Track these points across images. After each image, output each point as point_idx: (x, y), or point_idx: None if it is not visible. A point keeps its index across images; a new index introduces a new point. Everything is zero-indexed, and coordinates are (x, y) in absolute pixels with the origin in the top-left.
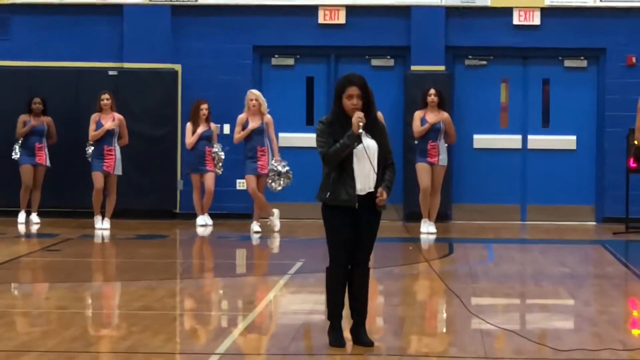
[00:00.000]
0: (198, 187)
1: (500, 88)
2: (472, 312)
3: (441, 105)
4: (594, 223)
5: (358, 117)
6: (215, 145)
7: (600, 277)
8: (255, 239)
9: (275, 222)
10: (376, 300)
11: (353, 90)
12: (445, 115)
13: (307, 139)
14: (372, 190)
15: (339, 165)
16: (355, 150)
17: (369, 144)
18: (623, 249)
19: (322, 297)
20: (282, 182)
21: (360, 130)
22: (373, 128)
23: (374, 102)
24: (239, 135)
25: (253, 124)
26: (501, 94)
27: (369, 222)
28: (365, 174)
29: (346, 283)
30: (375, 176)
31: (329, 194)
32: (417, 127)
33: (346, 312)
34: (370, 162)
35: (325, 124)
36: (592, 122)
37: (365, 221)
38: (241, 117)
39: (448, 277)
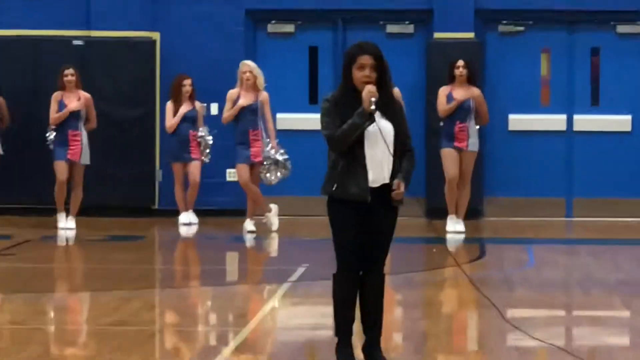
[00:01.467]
0: (181, 179)
1: (541, 59)
2: (512, 323)
3: (471, 80)
4: None
5: (369, 92)
6: (200, 129)
7: None
8: (249, 239)
9: (273, 220)
10: (393, 312)
11: (365, 59)
12: (476, 91)
13: (311, 120)
14: (387, 182)
15: (348, 152)
16: (366, 133)
17: (384, 127)
18: None
19: (329, 310)
20: (279, 173)
21: (373, 107)
22: (388, 108)
23: (390, 77)
24: (228, 112)
25: (244, 100)
26: (542, 66)
27: (383, 220)
28: (379, 162)
29: (357, 293)
30: (391, 165)
31: (335, 186)
32: (442, 105)
33: (357, 327)
34: (387, 148)
35: (332, 101)
36: None
37: (380, 219)
38: (232, 92)
39: (479, 284)
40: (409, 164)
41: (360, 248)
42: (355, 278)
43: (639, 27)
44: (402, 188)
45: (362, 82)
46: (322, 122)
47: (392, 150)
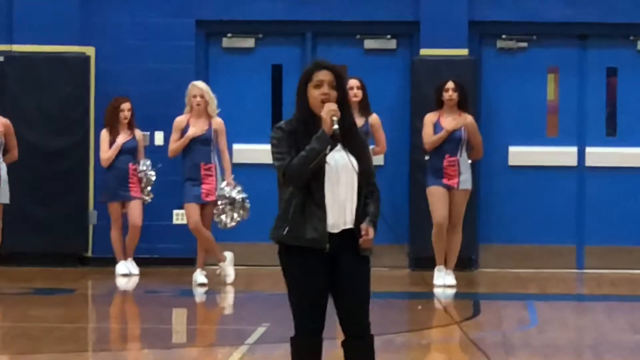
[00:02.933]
0: (119, 221)
1: (547, 80)
2: None
3: (463, 106)
4: None
5: (330, 110)
6: (142, 162)
7: None
8: (199, 294)
9: (228, 270)
10: None
11: (323, 74)
12: (469, 119)
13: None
14: (348, 227)
15: (304, 190)
16: (327, 168)
17: (347, 163)
18: None
19: None
20: (235, 215)
21: (335, 126)
22: (352, 138)
23: (350, 104)
24: (175, 144)
25: (195, 129)
26: (548, 90)
27: (352, 269)
28: (341, 203)
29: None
30: (354, 208)
31: (287, 229)
32: (428, 136)
33: None
34: (351, 187)
35: (285, 130)
36: None
37: (347, 271)
38: (179, 119)
39: (472, 348)
40: (375, 207)
41: (321, 306)
42: (316, 343)
43: None
44: (372, 234)
45: (320, 102)
46: (273, 154)
47: (356, 190)
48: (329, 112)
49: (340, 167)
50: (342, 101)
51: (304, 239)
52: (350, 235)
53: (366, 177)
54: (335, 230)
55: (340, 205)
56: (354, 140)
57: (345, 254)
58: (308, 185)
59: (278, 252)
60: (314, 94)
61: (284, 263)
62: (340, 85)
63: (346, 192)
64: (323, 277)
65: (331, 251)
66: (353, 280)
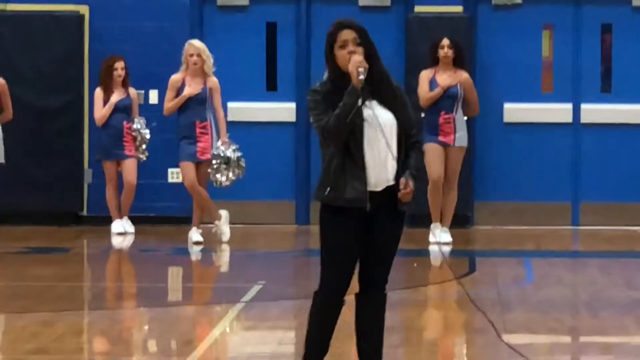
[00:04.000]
0: (114, 180)
1: (542, 37)
2: (513, 348)
3: (458, 63)
4: None
5: (356, 61)
6: (136, 120)
7: None
8: (195, 252)
9: (224, 228)
10: None
11: (346, 34)
12: (464, 76)
13: (268, 111)
14: (391, 183)
15: (344, 150)
16: (366, 128)
17: (384, 117)
18: None
19: (289, 335)
20: (231, 174)
21: (361, 77)
22: (385, 91)
23: (379, 56)
24: (171, 103)
25: (190, 89)
26: (543, 46)
27: (387, 230)
28: (381, 161)
29: (337, 319)
30: (394, 164)
31: (329, 189)
32: (424, 93)
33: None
34: (389, 143)
35: (321, 92)
36: None
37: (383, 228)
38: (175, 77)
39: (468, 304)
40: (416, 159)
41: (353, 266)
42: (340, 303)
43: None
44: (411, 186)
45: (347, 60)
46: (312, 117)
47: (395, 147)
48: (355, 64)
49: (377, 123)
50: (370, 55)
51: (344, 198)
52: (392, 192)
53: (406, 130)
54: (378, 189)
55: (380, 163)
56: (388, 92)
57: (385, 211)
58: (347, 145)
59: (320, 211)
60: (341, 53)
61: (324, 222)
62: (364, 40)
63: (386, 148)
64: (359, 238)
65: (373, 209)
66: (386, 238)
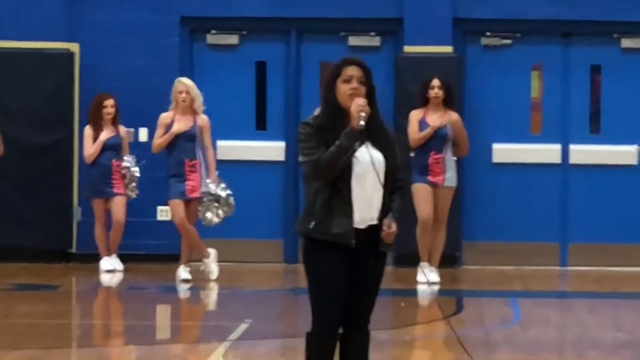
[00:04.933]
0: (103, 218)
1: (531, 78)
2: None
3: (448, 103)
4: None
5: (359, 105)
6: (125, 158)
7: None
8: (183, 290)
9: (212, 266)
10: None
11: (353, 70)
12: (454, 116)
13: (258, 149)
14: (374, 223)
15: (331, 185)
16: (355, 164)
17: (375, 156)
18: None
19: None
20: (220, 212)
21: (362, 123)
22: (379, 133)
23: (376, 99)
24: (160, 140)
25: (180, 125)
26: (532, 87)
27: (371, 269)
28: (367, 198)
29: (333, 357)
30: (380, 203)
31: (314, 223)
32: (414, 133)
33: None
34: (378, 182)
35: (313, 126)
36: None
37: (366, 267)
38: (165, 115)
39: (456, 345)
40: (401, 201)
41: (342, 301)
42: (334, 343)
43: None
44: (394, 228)
45: (349, 96)
46: (302, 150)
47: (383, 186)
48: (357, 108)
49: (368, 162)
50: (370, 96)
51: (330, 234)
52: (375, 231)
53: (393, 172)
54: (362, 226)
55: (366, 200)
56: (381, 135)
57: (368, 249)
58: (335, 181)
59: (303, 246)
60: (343, 88)
61: (309, 257)
62: (368, 81)
63: (373, 187)
64: (346, 273)
65: (356, 246)
66: (369, 277)
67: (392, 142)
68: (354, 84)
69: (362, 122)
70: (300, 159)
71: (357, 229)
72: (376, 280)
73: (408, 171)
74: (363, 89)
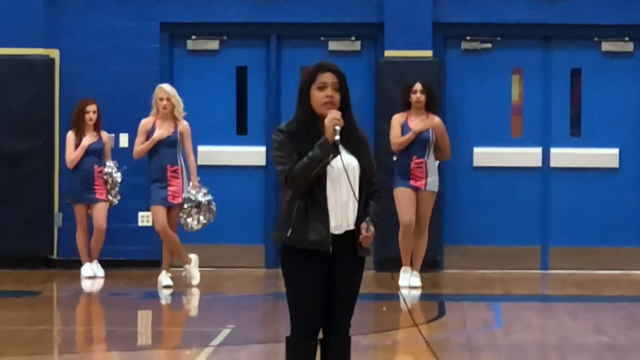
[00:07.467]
0: (84, 224)
1: (512, 82)
2: None
3: (430, 107)
4: None
5: (334, 118)
6: (107, 164)
7: None
8: (164, 296)
9: (193, 272)
10: None
11: (328, 77)
12: (437, 120)
13: (239, 154)
14: (351, 228)
15: (306, 193)
16: (329, 170)
17: (349, 163)
18: None
19: None
20: (202, 217)
21: (337, 137)
22: (353, 139)
23: (350, 104)
24: (141, 146)
25: (161, 131)
26: (513, 91)
27: (349, 274)
28: (343, 204)
29: None
30: (356, 208)
31: (290, 231)
32: (396, 137)
33: None
34: (351, 188)
35: (286, 133)
36: None
37: (344, 271)
38: (145, 121)
39: (437, 349)
40: (376, 206)
41: (320, 308)
42: (314, 346)
43: (627, 45)
44: (372, 231)
45: (323, 104)
46: (275, 157)
47: (357, 191)
48: (331, 121)
49: (342, 168)
50: (345, 103)
51: (307, 241)
52: (352, 236)
53: (368, 178)
54: (338, 232)
55: (342, 207)
56: (355, 141)
57: (345, 255)
58: (310, 188)
59: (280, 253)
60: (317, 95)
61: (286, 264)
62: (343, 87)
63: (348, 193)
64: (324, 279)
65: (334, 252)
66: (347, 282)
67: (366, 147)
68: (329, 92)
69: (337, 137)
70: (276, 166)
71: (334, 235)
72: (354, 286)
73: (390, 175)
74: (337, 96)
